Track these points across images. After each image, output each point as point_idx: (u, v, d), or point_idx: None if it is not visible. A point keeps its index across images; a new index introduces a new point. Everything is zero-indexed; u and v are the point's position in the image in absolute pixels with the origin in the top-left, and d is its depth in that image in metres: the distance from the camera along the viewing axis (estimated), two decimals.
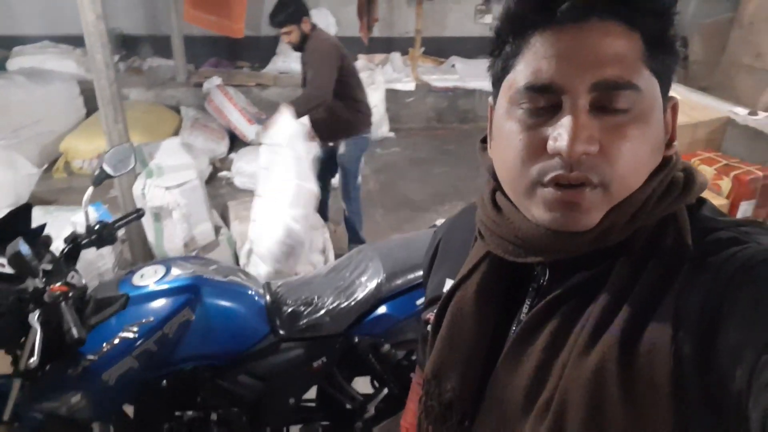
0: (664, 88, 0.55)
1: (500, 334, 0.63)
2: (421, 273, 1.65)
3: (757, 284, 0.48)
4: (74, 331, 1.19)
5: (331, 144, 3.24)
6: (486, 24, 7.06)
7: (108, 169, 1.63)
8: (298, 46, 3.01)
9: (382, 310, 1.66)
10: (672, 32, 0.53)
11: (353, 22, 5.76)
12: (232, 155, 4.77)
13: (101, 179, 1.62)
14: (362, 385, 1.85)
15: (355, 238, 3.35)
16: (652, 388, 0.49)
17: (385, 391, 1.78)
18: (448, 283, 0.70)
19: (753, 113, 3.96)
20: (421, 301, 1.64)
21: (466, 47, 6.83)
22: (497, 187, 0.63)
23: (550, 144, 0.51)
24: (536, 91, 0.53)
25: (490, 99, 0.63)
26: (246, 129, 5.17)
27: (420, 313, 1.70)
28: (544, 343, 0.56)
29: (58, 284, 1.33)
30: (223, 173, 4.61)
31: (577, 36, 0.51)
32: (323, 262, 3.09)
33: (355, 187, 3.30)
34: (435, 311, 0.69)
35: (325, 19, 6.36)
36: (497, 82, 0.60)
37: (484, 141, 0.69)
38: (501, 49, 0.58)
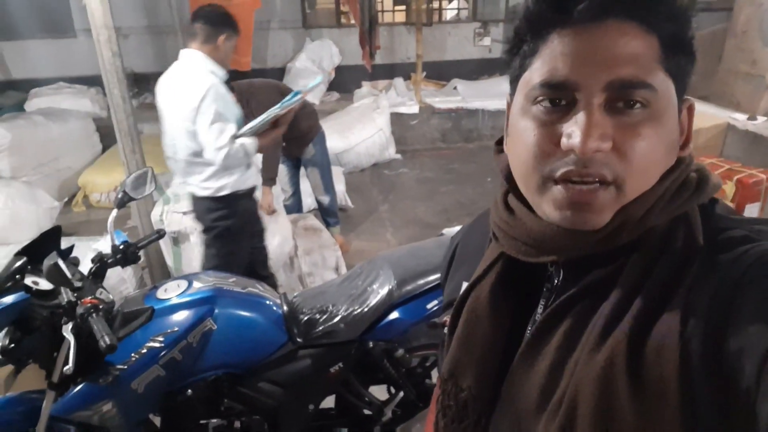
0: (680, 90, 0.55)
1: (516, 334, 0.63)
2: (430, 278, 1.74)
3: (767, 282, 0.48)
4: (106, 339, 1.27)
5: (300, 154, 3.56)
6: (485, 46, 7.23)
7: (130, 192, 1.73)
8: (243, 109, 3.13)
9: (394, 315, 1.73)
10: (689, 34, 0.54)
11: (356, 51, 5.95)
12: None
13: (124, 202, 1.72)
14: (378, 393, 1.91)
15: (334, 218, 3.71)
16: (660, 384, 0.49)
17: (401, 394, 1.83)
18: (465, 286, 0.70)
19: (752, 118, 4.03)
20: (431, 305, 1.73)
21: (467, 69, 7.00)
22: (510, 189, 0.64)
23: (564, 141, 0.52)
24: (551, 88, 0.53)
25: (508, 97, 0.64)
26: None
27: (431, 316, 1.79)
28: (558, 342, 0.57)
29: (89, 298, 1.42)
30: None
31: (593, 35, 0.51)
32: None
33: (331, 175, 3.68)
34: (451, 313, 0.70)
35: (328, 50, 6.55)
36: (515, 80, 0.60)
37: (498, 143, 0.70)
38: (519, 47, 0.58)
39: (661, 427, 0.49)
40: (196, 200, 2.45)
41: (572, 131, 0.51)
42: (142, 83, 6.29)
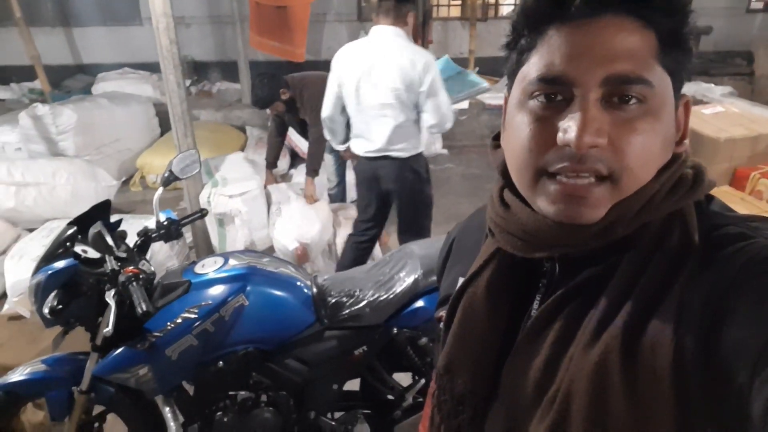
0: (677, 86, 0.55)
1: (512, 330, 0.63)
2: None
3: (762, 279, 0.48)
4: (143, 305, 1.36)
5: None
6: None
7: (176, 172, 1.82)
8: (288, 110, 3.31)
9: (419, 303, 1.76)
10: (686, 30, 0.53)
11: None
12: (292, 171, 5.01)
13: (170, 181, 1.81)
14: (402, 381, 1.95)
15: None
16: (654, 380, 0.49)
17: (423, 381, 1.86)
18: (461, 282, 0.70)
19: None
20: None
21: None
22: (505, 184, 0.65)
23: (560, 135, 0.52)
24: (548, 82, 0.53)
25: (505, 91, 0.64)
26: (305, 147, 5.41)
27: None
28: (553, 338, 0.57)
29: (131, 268, 1.52)
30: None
31: (590, 31, 0.52)
32: None
33: None
34: (447, 308, 0.70)
35: None
36: (512, 75, 0.60)
37: (494, 139, 0.70)
38: (516, 42, 0.59)
39: (654, 423, 0.50)
40: (398, 162, 2.69)
41: (568, 126, 0.51)
42: (201, 71, 6.54)
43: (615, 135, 0.51)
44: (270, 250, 3.29)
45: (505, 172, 0.63)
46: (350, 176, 3.83)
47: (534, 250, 0.59)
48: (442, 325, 0.73)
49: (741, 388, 0.46)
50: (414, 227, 2.85)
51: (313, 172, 3.35)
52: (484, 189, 4.85)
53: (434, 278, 1.76)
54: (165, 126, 5.46)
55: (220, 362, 1.68)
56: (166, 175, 1.81)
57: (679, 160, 0.57)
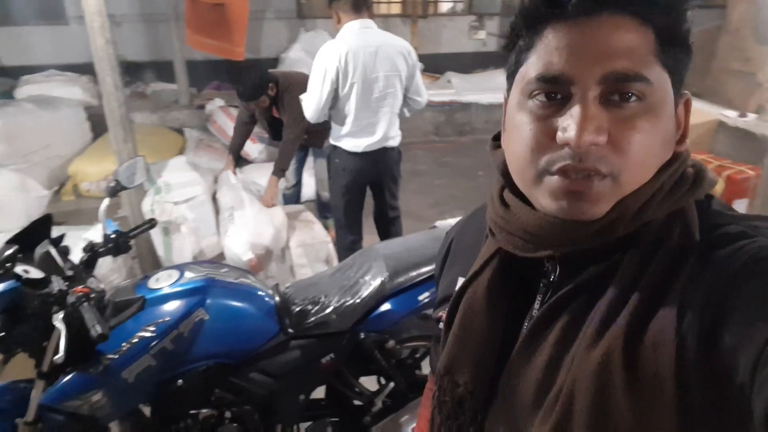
0: (677, 83, 0.55)
1: (513, 330, 0.63)
2: (422, 270, 1.75)
3: (763, 277, 0.48)
4: (98, 328, 1.26)
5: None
6: (480, 39, 7.23)
7: (122, 181, 1.72)
8: (270, 107, 3.26)
9: (386, 306, 1.73)
10: (684, 27, 0.53)
11: None
12: (238, 173, 4.88)
13: (116, 191, 1.70)
14: (369, 384, 1.92)
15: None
16: (656, 379, 0.49)
17: (391, 385, 1.84)
18: (460, 282, 0.70)
19: (743, 115, 4.07)
20: (423, 296, 1.74)
21: (462, 63, 6.99)
22: (505, 184, 0.65)
23: (559, 134, 0.52)
24: (547, 81, 0.54)
25: (505, 92, 0.64)
26: (249, 147, 5.28)
27: (423, 308, 1.79)
28: (555, 337, 0.57)
29: (80, 287, 1.41)
30: None
31: (588, 29, 0.52)
32: None
33: None
34: (447, 308, 0.70)
35: (323, 41, 6.50)
36: (511, 75, 0.61)
37: (494, 139, 0.70)
38: (515, 43, 0.59)
39: (657, 422, 0.49)
40: (392, 151, 2.85)
41: (568, 125, 0.51)
42: (134, 72, 6.24)
43: (614, 133, 0.51)
44: (220, 258, 3.18)
45: (505, 172, 0.63)
46: (306, 178, 3.77)
47: (535, 249, 0.59)
48: (441, 325, 0.73)
49: (742, 386, 0.46)
50: (395, 209, 3.08)
51: (280, 171, 3.28)
52: (432, 185, 4.88)
53: (401, 280, 1.75)
54: (97, 130, 5.16)
55: (180, 380, 1.59)
56: (111, 185, 1.70)
57: (680, 158, 0.57)
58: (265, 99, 3.17)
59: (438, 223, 2.02)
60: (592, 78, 0.51)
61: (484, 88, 6.22)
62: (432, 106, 6.08)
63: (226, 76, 6.57)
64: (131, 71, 6.15)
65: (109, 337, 1.32)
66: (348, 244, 2.99)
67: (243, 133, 3.66)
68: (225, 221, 3.07)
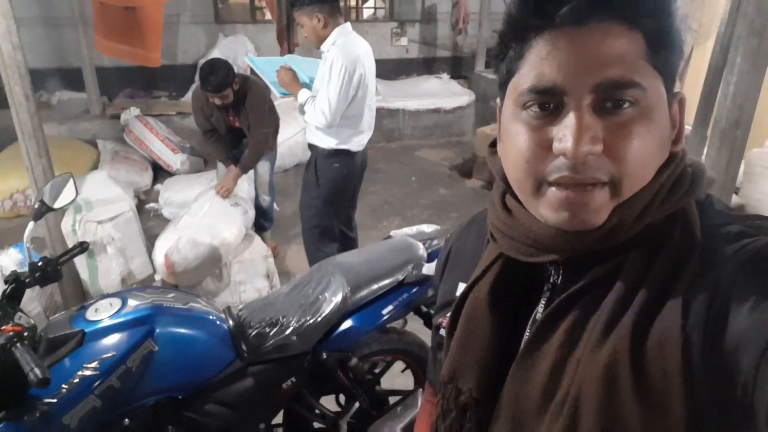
0: (669, 84, 0.55)
1: (516, 335, 0.63)
2: (384, 283, 1.70)
3: (764, 276, 0.48)
4: (37, 371, 1.11)
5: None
6: (402, 46, 7.29)
7: (48, 202, 1.54)
8: (233, 102, 3.20)
9: (348, 323, 1.67)
10: (673, 28, 0.54)
11: (273, 47, 5.78)
12: (158, 186, 4.61)
13: (42, 213, 1.53)
14: (328, 404, 1.83)
15: (270, 221, 3.75)
16: (663, 379, 0.49)
17: (356, 405, 1.77)
18: (461, 287, 0.70)
19: None
20: (387, 310, 1.68)
21: (385, 69, 6.98)
22: (506, 189, 0.64)
23: (556, 145, 0.52)
24: (539, 93, 0.53)
25: (498, 101, 0.64)
26: (170, 158, 5.03)
27: (386, 322, 1.73)
28: (559, 341, 0.56)
29: (9, 325, 1.24)
30: (150, 205, 4.44)
31: (577, 38, 0.51)
32: (269, 288, 3.04)
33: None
34: (449, 314, 0.69)
35: (243, 46, 6.32)
36: (503, 86, 0.60)
37: (492, 145, 0.69)
38: (504, 53, 0.58)
39: (665, 422, 0.49)
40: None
41: (563, 135, 0.52)
42: (36, 80, 5.76)
43: (610, 140, 0.52)
44: (149, 279, 2.97)
45: (505, 178, 0.63)
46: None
47: (539, 254, 0.59)
48: (442, 331, 0.72)
49: (746, 385, 0.46)
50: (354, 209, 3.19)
51: (244, 168, 3.29)
52: (367, 193, 4.79)
53: (363, 294, 1.68)
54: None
55: (126, 419, 1.44)
56: (36, 206, 1.53)
57: (676, 158, 0.58)
58: (230, 93, 3.13)
59: (393, 233, 1.97)
60: (584, 87, 0.51)
61: (410, 95, 6.28)
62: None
63: (140, 83, 6.23)
64: (33, 79, 5.68)
65: (51, 380, 1.17)
66: (331, 252, 2.90)
67: (217, 139, 3.46)
68: (173, 222, 2.88)
